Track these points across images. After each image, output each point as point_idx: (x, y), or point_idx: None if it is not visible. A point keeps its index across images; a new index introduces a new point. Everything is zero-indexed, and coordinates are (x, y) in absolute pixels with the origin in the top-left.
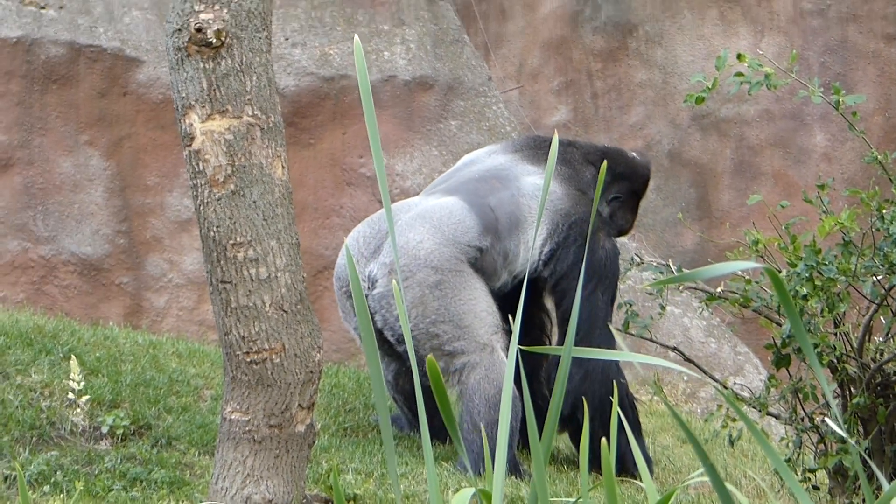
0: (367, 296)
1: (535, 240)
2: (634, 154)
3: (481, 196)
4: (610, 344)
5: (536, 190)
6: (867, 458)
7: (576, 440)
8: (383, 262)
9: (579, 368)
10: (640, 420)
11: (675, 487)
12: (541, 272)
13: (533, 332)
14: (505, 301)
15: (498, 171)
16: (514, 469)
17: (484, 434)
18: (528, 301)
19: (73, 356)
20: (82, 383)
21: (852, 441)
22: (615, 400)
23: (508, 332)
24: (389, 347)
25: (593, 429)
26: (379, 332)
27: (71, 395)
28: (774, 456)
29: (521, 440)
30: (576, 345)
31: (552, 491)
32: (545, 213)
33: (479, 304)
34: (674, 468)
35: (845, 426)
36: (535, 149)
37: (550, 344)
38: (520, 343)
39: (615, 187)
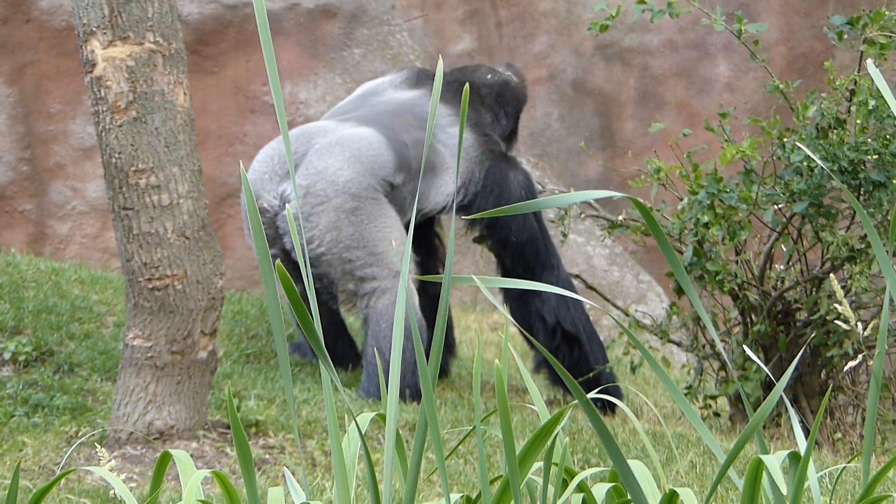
0: (277, 215)
1: (448, 186)
2: (513, 76)
3: (397, 132)
4: (559, 260)
5: (451, 138)
6: (773, 379)
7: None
8: (299, 183)
9: (538, 295)
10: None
11: (564, 408)
12: (450, 213)
13: (431, 261)
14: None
15: (412, 107)
16: (417, 396)
17: (379, 359)
18: (427, 233)
19: None
20: None
21: (756, 360)
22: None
23: (417, 263)
24: (297, 269)
25: (551, 348)
26: (287, 254)
27: None
28: (671, 385)
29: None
30: (534, 270)
31: (454, 417)
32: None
33: (392, 233)
34: None
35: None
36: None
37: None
38: (422, 272)
39: (510, 123)
